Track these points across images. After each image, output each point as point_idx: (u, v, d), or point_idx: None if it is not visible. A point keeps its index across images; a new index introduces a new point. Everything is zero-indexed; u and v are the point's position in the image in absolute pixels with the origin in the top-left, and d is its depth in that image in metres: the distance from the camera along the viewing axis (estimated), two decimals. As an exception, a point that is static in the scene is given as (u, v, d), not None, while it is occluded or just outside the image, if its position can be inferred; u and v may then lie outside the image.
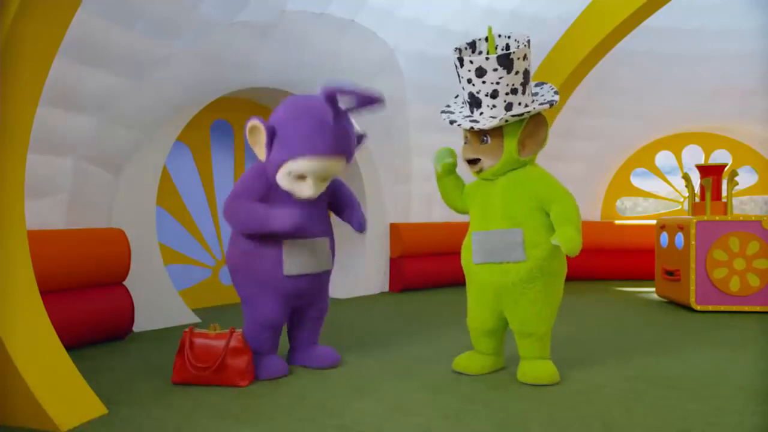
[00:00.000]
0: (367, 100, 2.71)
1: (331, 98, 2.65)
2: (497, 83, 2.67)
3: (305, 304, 3.02)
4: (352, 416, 2.34)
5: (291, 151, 2.71)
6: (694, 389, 2.67)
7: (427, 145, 6.01)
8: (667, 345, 3.59)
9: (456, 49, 2.78)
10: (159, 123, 4.25)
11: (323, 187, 2.87)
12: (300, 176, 2.77)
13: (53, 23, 2.24)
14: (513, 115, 2.68)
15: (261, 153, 2.82)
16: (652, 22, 5.32)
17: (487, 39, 2.79)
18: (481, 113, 2.74)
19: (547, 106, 2.75)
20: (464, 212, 3.02)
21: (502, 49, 2.80)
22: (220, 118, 5.27)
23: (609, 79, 6.38)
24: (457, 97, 2.97)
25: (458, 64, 2.73)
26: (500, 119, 2.68)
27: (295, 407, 2.46)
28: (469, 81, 2.72)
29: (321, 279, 3.01)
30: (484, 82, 2.68)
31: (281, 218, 2.67)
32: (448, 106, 2.97)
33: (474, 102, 2.75)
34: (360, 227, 3.07)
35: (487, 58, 2.64)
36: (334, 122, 2.69)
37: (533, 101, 2.79)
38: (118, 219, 4.03)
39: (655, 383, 2.76)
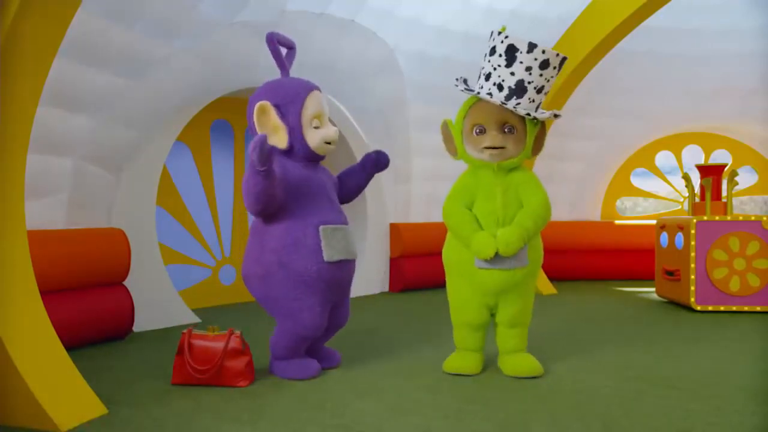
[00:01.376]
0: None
1: (272, 44, 2.98)
2: (548, 81, 2.75)
3: (338, 300, 3.00)
4: (352, 416, 2.34)
5: (298, 100, 2.88)
6: (694, 389, 2.67)
7: (427, 145, 6.01)
8: (667, 345, 3.59)
9: (524, 39, 2.73)
10: (159, 123, 4.25)
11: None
12: (315, 122, 2.92)
13: (53, 23, 2.24)
14: (554, 115, 2.80)
15: (278, 136, 2.88)
16: (652, 22, 5.31)
17: (499, 32, 2.78)
18: (518, 104, 2.74)
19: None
20: None
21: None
22: (220, 118, 5.28)
23: (609, 79, 6.37)
24: (458, 80, 2.93)
25: (525, 48, 2.69)
26: (551, 115, 2.78)
27: (295, 407, 2.46)
28: (528, 69, 2.70)
29: (352, 268, 3.01)
30: (541, 75, 2.72)
31: (251, 145, 2.57)
32: (462, 83, 2.92)
33: (518, 90, 2.73)
34: (381, 158, 3.24)
35: (557, 55, 2.71)
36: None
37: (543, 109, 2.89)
38: (118, 219, 4.03)
39: (655, 383, 2.76)
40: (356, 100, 5.65)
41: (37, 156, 3.31)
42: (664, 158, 7.69)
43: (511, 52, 2.70)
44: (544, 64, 2.69)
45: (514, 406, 2.45)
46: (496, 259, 2.76)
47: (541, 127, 2.88)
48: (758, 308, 4.70)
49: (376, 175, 5.82)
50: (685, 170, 7.37)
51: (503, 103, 2.72)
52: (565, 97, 5.63)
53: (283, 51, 3.09)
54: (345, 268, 2.93)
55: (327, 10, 4.61)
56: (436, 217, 6.34)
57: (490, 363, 3.12)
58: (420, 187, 6.25)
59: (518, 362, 2.90)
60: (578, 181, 7.36)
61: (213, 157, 5.24)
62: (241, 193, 5.42)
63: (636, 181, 7.72)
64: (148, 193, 4.27)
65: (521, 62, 2.70)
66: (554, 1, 5.50)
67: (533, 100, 2.75)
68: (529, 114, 2.70)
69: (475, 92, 2.80)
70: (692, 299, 4.76)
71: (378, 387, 2.73)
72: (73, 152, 3.64)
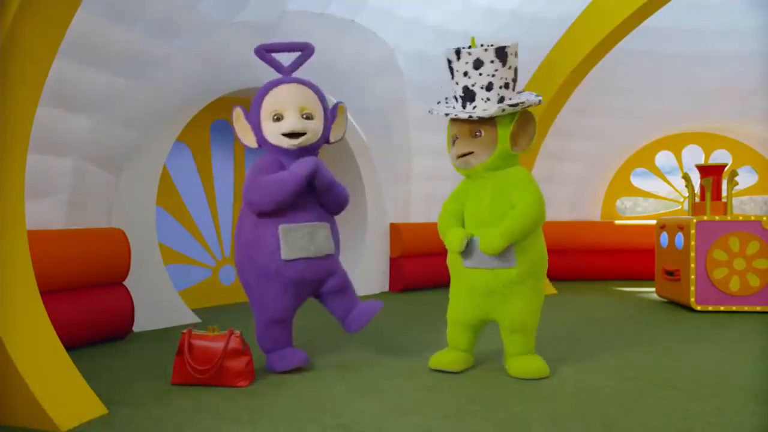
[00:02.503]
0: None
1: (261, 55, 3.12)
2: (493, 75, 2.76)
3: (316, 285, 3.03)
4: (352, 416, 2.34)
5: (260, 97, 3.00)
6: (694, 389, 2.67)
7: (427, 145, 6.01)
8: (667, 345, 3.59)
9: (451, 48, 2.86)
10: (159, 123, 4.25)
11: (307, 124, 2.97)
12: (277, 117, 2.96)
13: (53, 23, 2.24)
14: (510, 105, 2.73)
15: (248, 136, 3.03)
16: (652, 22, 5.31)
17: (470, 46, 2.85)
18: (475, 106, 2.79)
19: (537, 101, 2.81)
20: None
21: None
22: (220, 118, 5.27)
23: (609, 79, 6.37)
24: (440, 102, 3.01)
25: (455, 57, 2.81)
26: (499, 108, 2.72)
27: (295, 407, 2.46)
28: (465, 74, 2.79)
29: (323, 263, 3.01)
30: (480, 74, 2.76)
31: (300, 164, 2.84)
32: (438, 103, 3.02)
33: (468, 96, 2.81)
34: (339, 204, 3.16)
35: (485, 50, 2.73)
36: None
37: (522, 96, 2.84)
38: (118, 219, 4.03)
39: (655, 383, 2.76)
40: (356, 100, 5.64)
41: (37, 156, 3.31)
42: (664, 158, 7.68)
43: (449, 65, 2.85)
44: (478, 64, 2.76)
45: (515, 406, 2.45)
46: (480, 258, 2.79)
47: (521, 119, 2.82)
48: (758, 308, 4.70)
49: (376, 175, 5.91)
50: (685, 170, 7.37)
51: (456, 114, 2.81)
52: (565, 97, 5.63)
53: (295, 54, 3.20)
54: (310, 265, 2.94)
55: (327, 10, 4.61)
56: (436, 217, 6.32)
57: (489, 363, 3.12)
58: (420, 187, 6.25)
59: (524, 363, 2.88)
60: (578, 181, 7.36)
61: (213, 157, 5.24)
62: (240, 193, 5.43)
63: (636, 181, 7.72)
64: (148, 193, 4.27)
65: (457, 70, 2.82)
66: (554, 1, 5.49)
67: (488, 99, 2.76)
68: (471, 115, 2.76)
69: (431, 111, 2.94)
70: (692, 299, 4.76)
71: (378, 387, 2.73)
72: (73, 152, 3.64)
